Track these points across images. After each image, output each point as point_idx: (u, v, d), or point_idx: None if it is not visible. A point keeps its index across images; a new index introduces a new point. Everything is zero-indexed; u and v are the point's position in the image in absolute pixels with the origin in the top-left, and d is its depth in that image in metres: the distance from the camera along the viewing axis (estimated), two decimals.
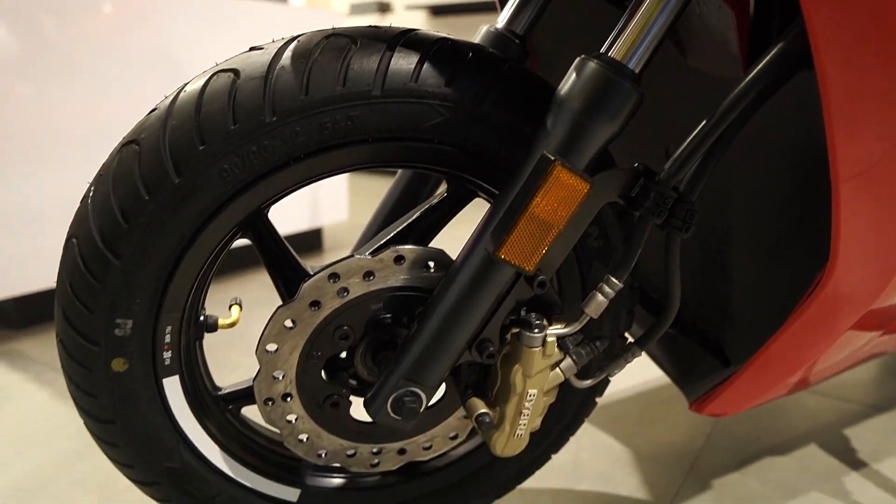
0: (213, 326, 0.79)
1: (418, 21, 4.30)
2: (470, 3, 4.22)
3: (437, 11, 4.44)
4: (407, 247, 0.71)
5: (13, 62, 1.58)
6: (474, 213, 1.05)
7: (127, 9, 1.77)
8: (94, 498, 1.06)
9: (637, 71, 0.63)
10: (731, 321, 0.93)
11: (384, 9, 4.73)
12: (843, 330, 0.81)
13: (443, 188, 0.80)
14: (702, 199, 0.93)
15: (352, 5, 4.92)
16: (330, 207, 2.49)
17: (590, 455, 1.16)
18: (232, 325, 0.80)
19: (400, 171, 0.94)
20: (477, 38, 0.87)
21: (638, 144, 1.01)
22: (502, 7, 1.00)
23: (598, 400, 0.91)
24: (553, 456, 1.14)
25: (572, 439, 1.21)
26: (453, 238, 1.12)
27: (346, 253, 2.57)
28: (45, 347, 1.64)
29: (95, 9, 1.71)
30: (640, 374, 1.47)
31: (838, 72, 0.62)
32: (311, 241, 2.58)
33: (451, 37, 0.72)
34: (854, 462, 1.14)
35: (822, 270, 0.74)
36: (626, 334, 0.86)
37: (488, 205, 0.73)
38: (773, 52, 0.63)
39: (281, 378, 0.73)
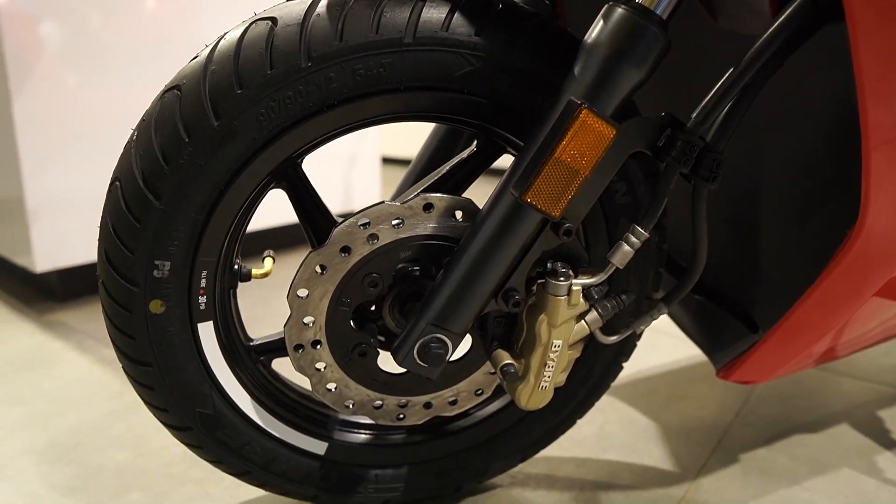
0: (246, 276, 0.81)
1: None
2: None
3: None
4: (436, 195, 0.73)
5: (60, 53, 1.64)
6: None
7: (174, 2, 1.82)
8: (128, 455, 1.09)
9: (665, 17, 0.64)
10: (758, 285, 0.92)
11: None
12: (871, 293, 0.80)
13: (473, 145, 0.81)
14: (728, 159, 0.93)
15: None
16: (362, 192, 2.52)
17: (616, 427, 1.16)
18: (265, 275, 0.82)
19: (433, 127, 0.95)
20: None
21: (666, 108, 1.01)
22: None
23: (626, 376, 0.91)
24: (578, 427, 1.15)
25: (599, 413, 1.21)
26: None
27: None
28: (86, 318, 1.69)
29: (139, 1, 1.76)
30: (669, 353, 1.46)
31: (870, 24, 0.61)
32: None
33: None
34: (888, 442, 1.12)
35: (850, 229, 0.73)
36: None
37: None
38: (796, 2, 0.63)
39: (311, 324, 0.75)
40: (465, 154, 0.78)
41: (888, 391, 1.31)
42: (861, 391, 1.30)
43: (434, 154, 0.93)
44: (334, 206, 2.42)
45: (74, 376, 1.38)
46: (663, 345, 1.50)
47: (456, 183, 0.78)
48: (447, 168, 0.78)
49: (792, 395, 1.28)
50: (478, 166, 0.79)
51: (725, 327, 0.94)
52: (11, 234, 1.74)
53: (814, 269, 0.78)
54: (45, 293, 1.86)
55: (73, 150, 1.70)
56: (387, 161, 3.72)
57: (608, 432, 1.15)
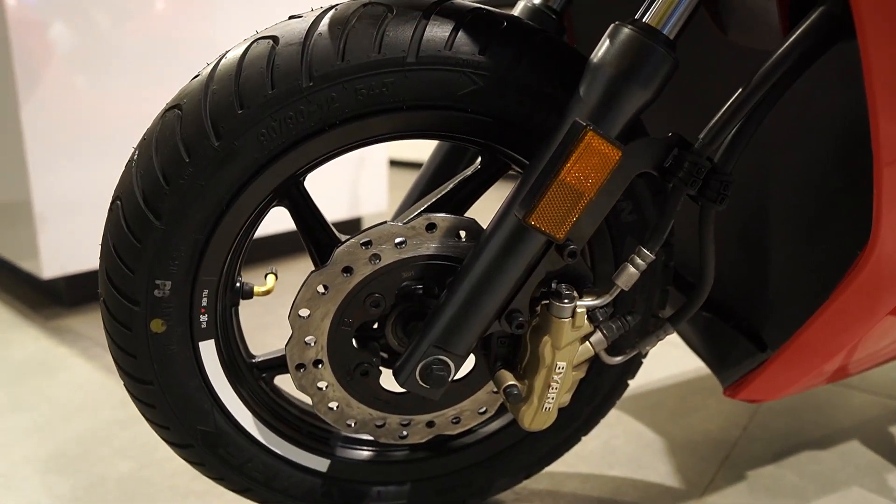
0: (248, 293, 0.80)
1: None
2: None
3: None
4: (439, 215, 0.72)
5: (68, 56, 1.64)
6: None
7: (184, 5, 1.82)
8: (132, 465, 1.09)
9: (672, 37, 0.63)
10: (767, 303, 0.91)
11: None
12: (883, 313, 0.78)
13: (478, 161, 0.80)
14: (738, 177, 0.92)
15: None
16: (369, 197, 2.51)
17: (622, 442, 1.15)
18: (267, 292, 0.82)
19: (437, 144, 0.94)
20: (515, 11, 0.87)
21: (675, 125, 1.00)
22: None
23: (632, 389, 0.90)
24: (583, 441, 1.14)
25: (605, 427, 1.20)
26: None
27: None
28: (92, 324, 1.70)
29: (149, 4, 1.76)
30: (675, 364, 1.45)
31: (882, 40, 0.60)
32: (351, 229, 2.60)
33: (486, 7, 0.72)
34: None
35: (862, 250, 0.72)
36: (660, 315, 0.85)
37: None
38: (812, 16, 0.62)
39: (312, 344, 0.75)
40: (469, 172, 0.77)
41: None
42: (872, 406, 1.29)
43: (438, 171, 0.92)
44: (342, 209, 2.42)
45: (80, 383, 1.38)
46: (670, 356, 1.48)
47: (460, 200, 0.78)
48: (451, 186, 0.77)
49: (801, 409, 1.27)
50: (482, 184, 0.78)
51: (733, 345, 0.93)
52: (19, 239, 1.74)
53: (824, 289, 0.77)
54: (52, 298, 1.87)
55: (81, 155, 1.70)
56: (394, 164, 3.72)
57: (614, 447, 1.14)
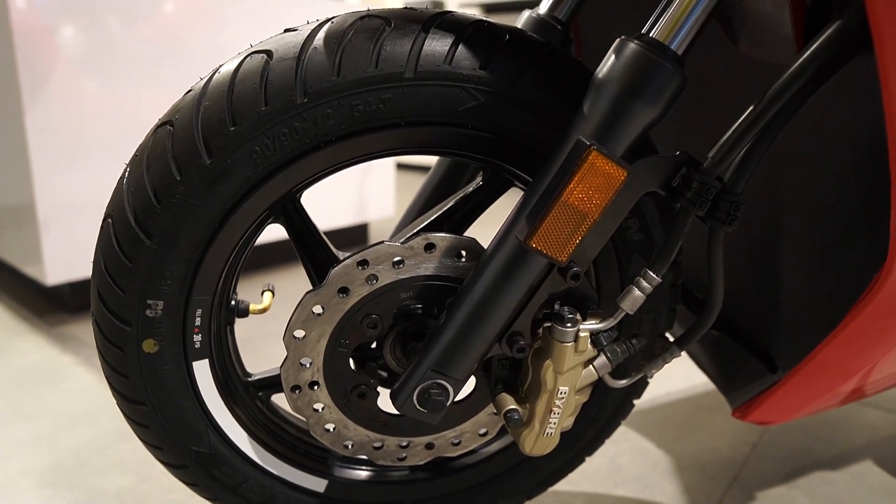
0: (244, 311, 0.79)
1: None
2: (524, 1, 4.18)
3: (490, 9, 4.42)
4: (438, 234, 0.70)
5: (72, 60, 1.63)
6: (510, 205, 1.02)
7: (189, 9, 1.81)
8: (130, 479, 1.08)
9: (680, 53, 0.60)
10: (779, 324, 0.88)
11: (438, 7, 4.73)
12: None
13: (479, 178, 0.78)
14: (750, 193, 0.89)
15: (406, 5, 4.94)
16: (376, 202, 2.49)
17: (628, 459, 1.13)
18: (263, 310, 0.80)
19: (437, 160, 0.92)
20: (519, 22, 0.85)
21: (686, 137, 0.97)
22: None
23: (639, 404, 0.87)
24: (589, 459, 1.11)
25: (610, 443, 1.17)
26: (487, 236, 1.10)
27: None
28: None
29: (155, 7, 1.75)
30: (683, 378, 1.42)
31: None
32: (357, 235, 2.59)
33: (488, 19, 0.70)
34: None
35: (878, 272, 0.69)
36: (667, 334, 0.83)
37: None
38: (828, 31, 0.59)
39: (308, 365, 0.73)
40: (470, 188, 0.75)
41: None
42: (886, 424, 1.25)
43: (439, 186, 0.90)
44: (348, 215, 2.40)
45: (81, 392, 1.37)
46: (677, 370, 1.45)
47: (461, 217, 0.75)
48: (451, 203, 0.75)
49: (813, 426, 1.24)
50: (483, 200, 0.76)
51: (743, 365, 0.90)
52: (23, 244, 1.74)
53: (839, 310, 0.74)
54: (56, 303, 1.86)
55: (85, 160, 1.69)
56: (401, 167, 3.69)
57: (620, 465, 1.11)
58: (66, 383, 1.41)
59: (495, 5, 4.36)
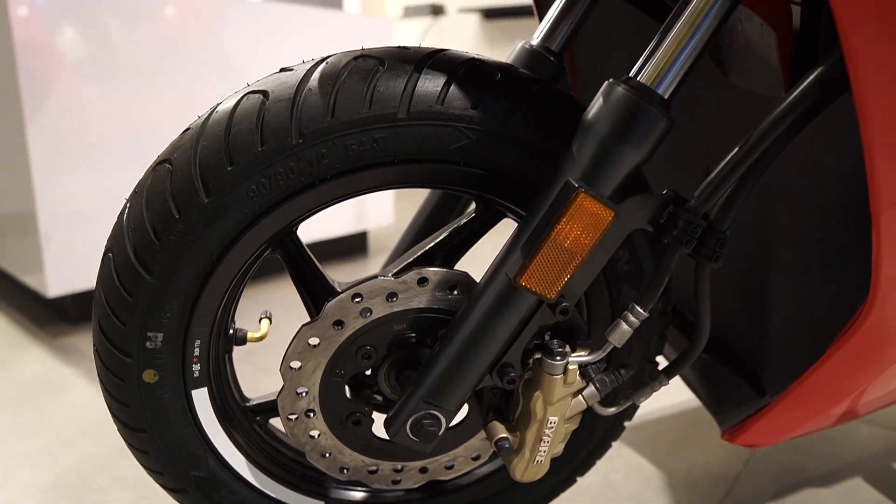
0: (241, 340, 0.80)
1: (471, 24, 4.29)
2: (522, 6, 4.19)
3: (489, 14, 4.43)
4: (430, 269, 0.71)
5: (82, 65, 1.64)
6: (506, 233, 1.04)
7: (189, 15, 1.82)
8: (131, 496, 1.10)
9: (667, 96, 0.62)
10: (768, 349, 0.90)
11: (437, 11, 4.74)
12: (888, 365, 0.77)
13: (472, 207, 0.79)
14: (739, 223, 0.90)
15: (405, 8, 4.95)
16: (376, 211, 2.51)
17: (622, 476, 1.14)
18: (261, 338, 0.81)
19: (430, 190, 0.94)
20: (511, 56, 0.86)
21: (677, 163, 0.99)
22: (541, 20, 0.99)
23: (631, 419, 0.89)
24: (582, 477, 1.13)
25: (604, 460, 1.19)
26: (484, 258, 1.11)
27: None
28: None
29: (160, 15, 1.76)
30: (676, 393, 1.43)
31: (878, 96, 0.59)
32: (357, 244, 2.60)
33: (481, 56, 0.71)
34: None
35: (862, 304, 0.70)
36: (659, 357, 0.84)
37: (517, 225, 0.72)
38: (812, 75, 0.61)
39: (304, 394, 0.74)
40: (463, 220, 0.77)
41: None
42: (877, 440, 1.27)
43: (432, 215, 0.91)
44: (347, 224, 2.42)
45: (83, 406, 1.38)
46: (671, 385, 1.47)
47: (453, 248, 0.77)
48: (444, 234, 0.76)
49: (804, 443, 1.25)
50: (476, 231, 0.78)
51: (732, 389, 0.92)
52: (24, 254, 1.75)
53: (827, 337, 0.76)
54: (58, 314, 1.88)
55: (86, 170, 1.71)
56: None
57: (613, 481, 1.13)
58: (68, 397, 1.43)
59: (494, 10, 4.38)
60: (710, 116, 0.92)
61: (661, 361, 0.82)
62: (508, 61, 0.86)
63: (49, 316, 1.88)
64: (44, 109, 1.61)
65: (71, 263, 1.72)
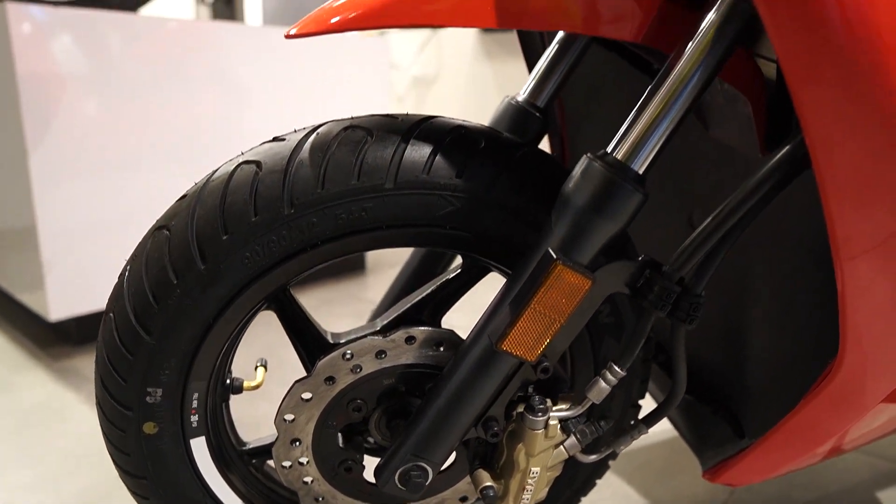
0: (238, 389, 0.83)
1: (469, 38, 4.32)
2: None
3: (487, 28, 4.45)
4: (418, 328, 0.74)
5: (84, 81, 1.67)
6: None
7: (188, 37, 1.85)
8: None
9: (641, 172, 0.65)
10: (747, 394, 0.93)
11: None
12: (870, 407, 0.79)
13: (459, 261, 0.82)
14: (719, 274, 0.93)
15: None
16: None
17: None
18: (257, 387, 0.85)
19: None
20: (497, 112, 0.89)
21: (661, 211, 1.02)
22: (530, 70, 1.02)
23: (616, 459, 0.92)
24: None
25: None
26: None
27: (389, 273, 2.60)
28: None
29: (156, 31, 1.79)
30: (663, 421, 1.46)
31: (834, 179, 0.61)
32: (355, 261, 2.63)
33: (467, 123, 0.74)
34: None
35: (833, 359, 0.73)
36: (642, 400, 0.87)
37: (504, 278, 0.75)
38: (781, 152, 0.64)
39: (298, 445, 0.77)
40: (450, 275, 0.80)
41: (889, 467, 1.30)
42: (863, 467, 1.30)
43: (417, 269, 0.94)
44: None
45: (84, 432, 1.42)
46: None
47: (440, 302, 0.80)
48: (431, 288, 0.79)
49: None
50: (463, 285, 0.80)
51: (713, 429, 0.95)
52: (26, 277, 1.78)
53: (805, 382, 0.78)
54: (60, 336, 1.91)
55: (88, 189, 1.73)
56: None
57: None
58: (71, 422, 1.46)
59: None
60: (693, 165, 0.95)
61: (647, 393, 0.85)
62: (494, 117, 0.89)
63: (51, 337, 1.92)
64: (45, 127, 1.63)
65: (72, 287, 1.75)
